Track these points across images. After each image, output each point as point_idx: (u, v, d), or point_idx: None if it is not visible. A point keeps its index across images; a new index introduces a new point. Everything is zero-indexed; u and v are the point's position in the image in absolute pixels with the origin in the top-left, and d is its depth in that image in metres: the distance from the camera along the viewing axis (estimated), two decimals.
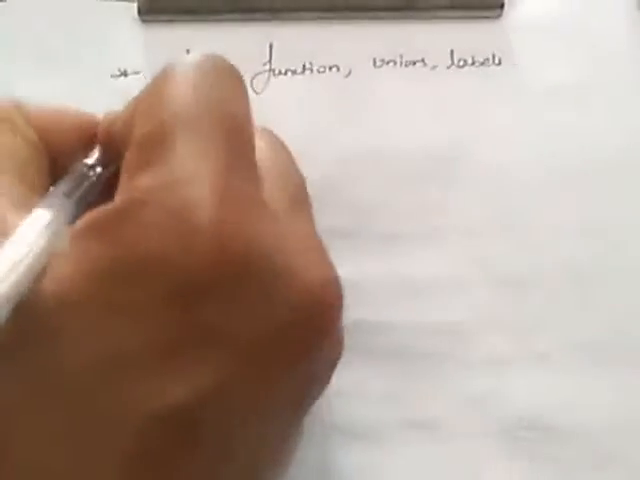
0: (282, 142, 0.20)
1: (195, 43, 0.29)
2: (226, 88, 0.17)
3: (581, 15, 0.30)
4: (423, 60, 0.29)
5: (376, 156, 0.26)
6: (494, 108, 0.28)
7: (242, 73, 0.29)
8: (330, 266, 0.17)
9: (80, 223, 0.15)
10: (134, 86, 0.29)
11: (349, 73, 0.29)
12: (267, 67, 0.29)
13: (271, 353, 0.15)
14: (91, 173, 0.19)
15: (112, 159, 0.19)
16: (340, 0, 0.30)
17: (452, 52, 0.29)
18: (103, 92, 0.29)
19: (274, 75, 0.29)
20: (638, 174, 0.27)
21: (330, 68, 0.29)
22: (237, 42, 0.29)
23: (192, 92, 0.16)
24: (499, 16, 0.30)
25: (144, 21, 0.30)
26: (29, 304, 0.14)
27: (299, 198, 0.18)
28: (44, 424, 0.14)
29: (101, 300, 0.14)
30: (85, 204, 0.17)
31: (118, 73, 0.29)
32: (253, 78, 0.29)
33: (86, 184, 0.18)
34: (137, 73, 0.29)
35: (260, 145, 0.17)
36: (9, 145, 0.18)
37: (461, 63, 0.29)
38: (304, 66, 0.29)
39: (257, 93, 0.29)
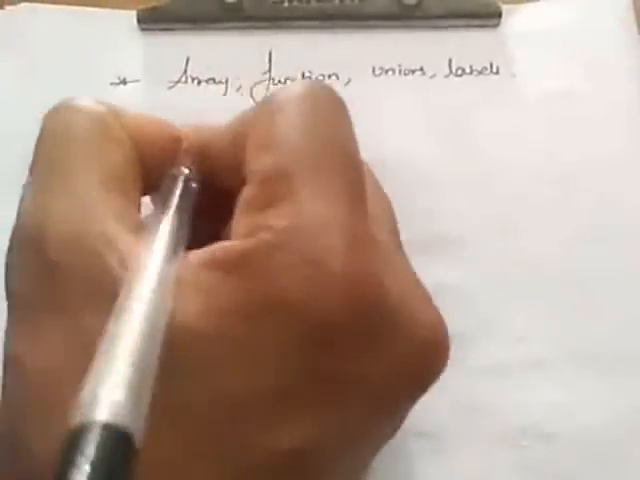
0: (372, 171, 0.20)
1: (194, 52, 0.29)
2: (337, 121, 0.17)
3: (578, 25, 0.30)
4: (422, 69, 0.29)
5: (374, 164, 0.26)
6: (492, 116, 0.28)
7: (241, 82, 0.29)
8: (434, 306, 0.17)
9: (207, 255, 0.15)
10: (133, 94, 0.29)
11: (348, 81, 0.29)
12: (267, 76, 0.29)
13: (388, 397, 0.16)
14: (192, 186, 0.18)
15: (203, 176, 0.19)
16: (339, 9, 0.30)
17: (450, 61, 0.29)
18: (102, 99, 0.29)
19: (274, 84, 0.29)
20: (635, 180, 0.27)
21: (329, 76, 0.29)
22: (236, 51, 0.29)
23: (308, 127, 0.17)
24: (497, 25, 0.30)
25: (143, 29, 0.30)
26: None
27: (397, 234, 0.18)
28: (165, 456, 0.14)
29: (232, 337, 0.14)
30: (189, 219, 0.17)
31: (117, 81, 0.29)
32: (253, 87, 0.29)
33: (190, 199, 0.18)
34: (136, 81, 0.29)
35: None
36: (105, 153, 0.17)
37: (459, 72, 0.29)
38: (303, 74, 0.29)
39: (257, 102, 0.29)
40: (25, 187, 0.17)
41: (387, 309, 0.15)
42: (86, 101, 0.18)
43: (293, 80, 0.29)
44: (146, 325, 0.13)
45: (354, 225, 0.15)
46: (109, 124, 0.18)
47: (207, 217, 0.17)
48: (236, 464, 0.14)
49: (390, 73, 0.29)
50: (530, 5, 0.30)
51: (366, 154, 0.17)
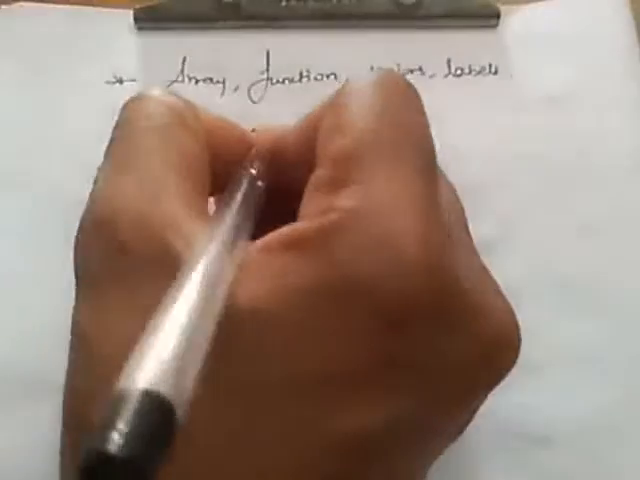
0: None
1: (191, 51, 0.29)
2: (409, 107, 0.17)
3: (576, 26, 0.30)
4: (420, 69, 0.29)
5: None
6: (490, 117, 0.28)
7: (239, 82, 0.29)
8: (506, 298, 0.17)
9: (273, 237, 0.15)
10: (130, 93, 0.29)
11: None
12: (264, 76, 0.29)
13: (459, 386, 0.15)
14: (258, 185, 0.18)
15: (273, 177, 0.19)
16: (337, 8, 0.30)
17: (449, 61, 0.29)
18: (99, 99, 0.28)
19: (271, 84, 0.29)
20: (634, 180, 0.27)
21: (327, 76, 0.29)
22: (234, 50, 0.29)
23: (380, 111, 0.16)
24: (495, 26, 0.30)
25: (140, 28, 0.30)
26: (226, 317, 0.13)
27: (467, 228, 0.18)
28: (230, 435, 0.14)
29: (301, 317, 0.14)
30: (253, 217, 0.17)
31: (114, 80, 0.29)
32: (250, 87, 0.29)
33: (255, 197, 0.18)
34: (133, 80, 0.29)
35: None
36: (180, 141, 0.17)
37: (458, 72, 0.29)
38: (301, 74, 0.29)
39: (254, 102, 0.28)
40: (99, 169, 0.17)
41: (463, 296, 0.15)
42: (164, 93, 0.18)
43: (291, 80, 0.29)
44: (198, 303, 0.12)
45: (428, 210, 0.15)
46: (186, 116, 0.18)
47: (275, 220, 0.16)
48: (297, 445, 0.14)
49: None
50: (528, 6, 0.30)
51: None
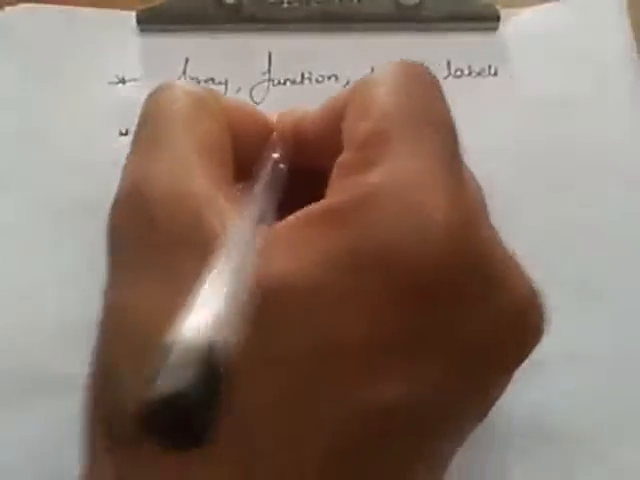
0: None
1: (193, 52, 0.29)
2: (432, 92, 0.18)
3: (574, 28, 0.30)
4: None
5: None
6: (490, 118, 0.28)
7: (241, 83, 0.29)
8: (527, 275, 0.17)
9: (301, 213, 0.15)
10: (132, 93, 0.29)
11: (347, 82, 0.29)
12: (266, 77, 0.29)
13: (486, 359, 0.15)
14: (280, 167, 0.19)
15: (295, 161, 0.19)
16: (338, 10, 0.30)
17: (449, 62, 0.29)
18: (101, 98, 0.29)
19: (273, 85, 0.29)
20: (633, 180, 0.27)
21: (329, 78, 0.29)
22: (236, 52, 0.29)
23: (404, 95, 0.17)
24: (495, 28, 0.30)
25: (142, 30, 0.30)
26: (261, 288, 0.14)
27: (486, 206, 0.18)
28: (255, 402, 0.14)
29: (331, 287, 0.14)
30: (277, 199, 0.18)
31: (116, 80, 0.29)
32: (252, 88, 0.29)
33: (279, 179, 0.18)
34: (135, 81, 0.29)
35: None
36: (203, 124, 0.18)
37: (458, 73, 0.29)
38: (303, 76, 0.29)
39: (256, 103, 0.29)
40: (129, 154, 0.18)
41: (488, 266, 0.15)
42: (187, 83, 0.19)
43: (293, 81, 0.29)
44: (237, 272, 0.13)
45: (452, 182, 0.15)
46: (208, 102, 0.18)
47: (296, 202, 0.16)
48: (330, 415, 0.14)
49: None
50: (528, 9, 0.31)
51: None
